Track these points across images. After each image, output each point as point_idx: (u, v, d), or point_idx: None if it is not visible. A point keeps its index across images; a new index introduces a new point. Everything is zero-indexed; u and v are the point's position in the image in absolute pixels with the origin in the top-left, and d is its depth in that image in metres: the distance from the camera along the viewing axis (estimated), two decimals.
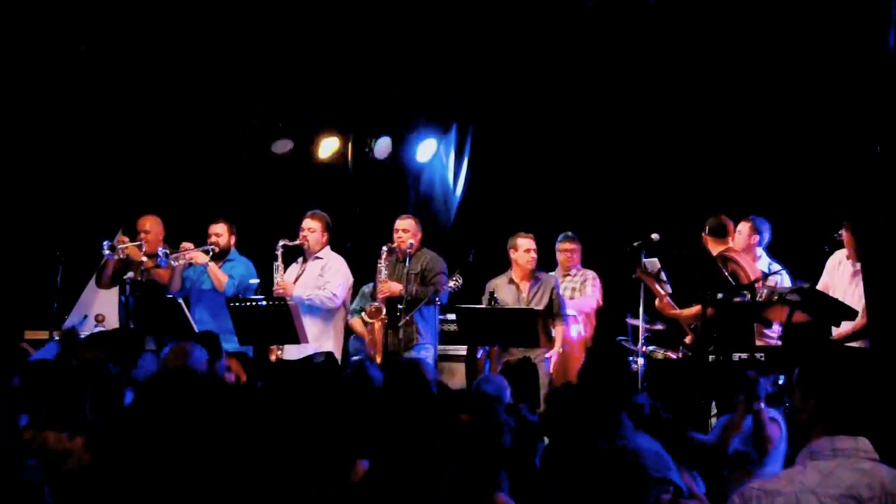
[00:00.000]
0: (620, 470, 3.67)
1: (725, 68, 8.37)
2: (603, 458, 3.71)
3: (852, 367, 2.43)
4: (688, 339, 7.40)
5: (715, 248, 7.07)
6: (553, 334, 7.69)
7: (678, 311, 7.32)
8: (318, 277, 7.72)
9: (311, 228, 7.82)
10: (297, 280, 7.75)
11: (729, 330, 6.82)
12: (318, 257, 7.83)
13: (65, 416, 3.14)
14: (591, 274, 8.36)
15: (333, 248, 7.98)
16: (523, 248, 7.78)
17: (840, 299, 6.54)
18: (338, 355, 7.72)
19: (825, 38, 7.30)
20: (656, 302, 7.39)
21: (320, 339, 7.56)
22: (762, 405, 4.65)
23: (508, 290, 7.78)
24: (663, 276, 7.67)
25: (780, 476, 2.32)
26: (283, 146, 9.79)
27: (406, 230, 7.82)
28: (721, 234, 7.19)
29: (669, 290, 7.53)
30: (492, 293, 7.76)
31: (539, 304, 7.63)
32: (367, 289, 8.02)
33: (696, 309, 7.13)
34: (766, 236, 7.63)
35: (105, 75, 8.96)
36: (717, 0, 7.99)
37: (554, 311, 7.73)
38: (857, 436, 2.35)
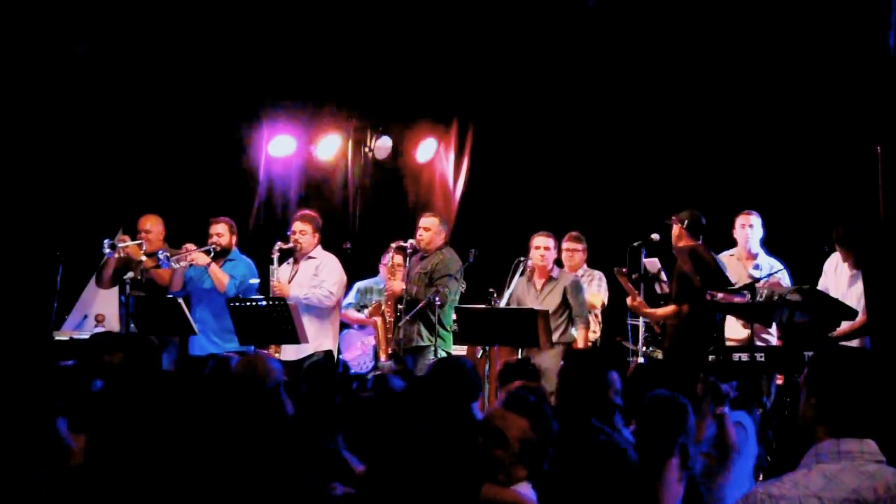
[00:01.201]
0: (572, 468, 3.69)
1: (727, 68, 8.38)
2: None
3: (857, 367, 2.42)
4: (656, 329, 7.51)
5: (687, 244, 7.04)
6: (554, 334, 7.52)
7: (651, 310, 7.32)
8: (313, 277, 7.72)
9: (303, 231, 7.80)
10: (290, 280, 7.75)
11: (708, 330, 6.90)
12: (310, 257, 7.83)
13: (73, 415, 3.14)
14: (598, 274, 8.33)
15: (333, 249, 7.98)
16: (534, 246, 7.71)
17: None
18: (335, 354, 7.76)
19: (826, 39, 7.30)
20: (628, 300, 7.35)
21: (318, 337, 7.57)
22: (725, 409, 4.56)
23: (526, 289, 7.72)
24: (663, 275, 7.69)
25: (784, 480, 2.31)
26: (283, 146, 9.80)
27: (427, 228, 7.78)
28: (697, 231, 7.15)
29: (668, 290, 7.54)
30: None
31: (549, 304, 7.51)
32: (361, 285, 8.21)
33: (667, 309, 7.15)
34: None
35: (105, 75, 8.95)
36: (719, 0, 7.99)
37: (574, 312, 7.56)
38: (862, 438, 2.34)
